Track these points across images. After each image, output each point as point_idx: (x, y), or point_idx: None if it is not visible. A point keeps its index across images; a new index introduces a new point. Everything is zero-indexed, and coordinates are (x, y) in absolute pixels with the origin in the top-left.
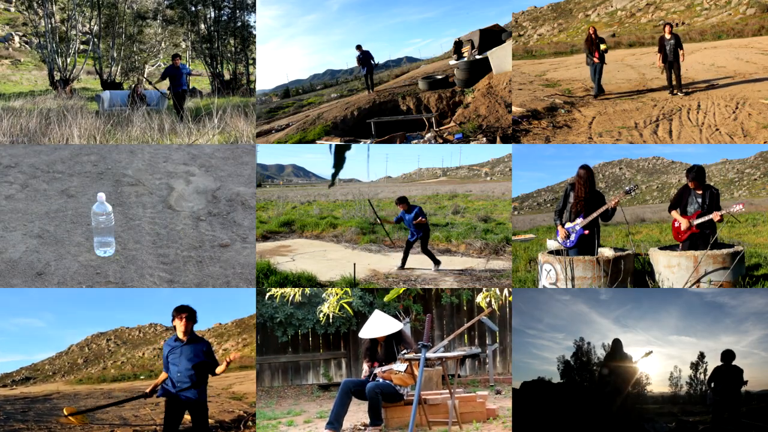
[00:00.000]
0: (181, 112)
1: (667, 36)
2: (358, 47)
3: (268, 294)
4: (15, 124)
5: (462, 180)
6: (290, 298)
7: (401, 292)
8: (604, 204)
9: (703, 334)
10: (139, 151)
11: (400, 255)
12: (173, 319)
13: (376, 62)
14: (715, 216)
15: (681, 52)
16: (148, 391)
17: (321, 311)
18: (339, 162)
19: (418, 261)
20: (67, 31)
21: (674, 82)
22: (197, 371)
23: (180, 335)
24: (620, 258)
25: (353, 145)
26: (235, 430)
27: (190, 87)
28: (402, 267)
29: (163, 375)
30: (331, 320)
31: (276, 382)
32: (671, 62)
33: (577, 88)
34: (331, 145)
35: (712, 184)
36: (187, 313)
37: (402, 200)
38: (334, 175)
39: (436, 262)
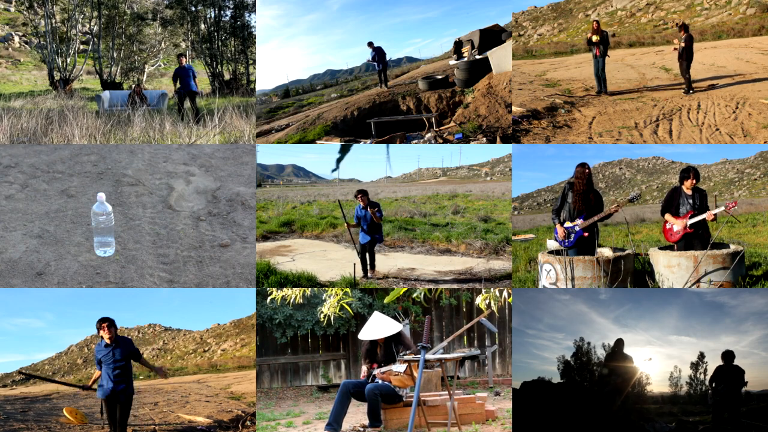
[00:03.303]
0: (199, 113)
1: (679, 42)
2: (370, 44)
3: (270, 298)
4: (15, 124)
5: (462, 180)
6: (291, 301)
7: (402, 293)
8: (602, 203)
9: (703, 334)
10: (139, 151)
11: (401, 255)
12: (98, 330)
13: (389, 58)
14: (708, 216)
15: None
16: (90, 383)
17: (321, 312)
18: None
19: (418, 261)
20: (67, 31)
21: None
22: (127, 366)
23: (107, 341)
24: (620, 258)
25: (353, 145)
26: (234, 430)
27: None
28: (370, 274)
29: (97, 373)
30: (331, 321)
31: (275, 384)
32: (680, 60)
33: (577, 88)
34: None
35: (711, 184)
36: (108, 322)
37: (363, 193)
38: None
39: (369, 269)
